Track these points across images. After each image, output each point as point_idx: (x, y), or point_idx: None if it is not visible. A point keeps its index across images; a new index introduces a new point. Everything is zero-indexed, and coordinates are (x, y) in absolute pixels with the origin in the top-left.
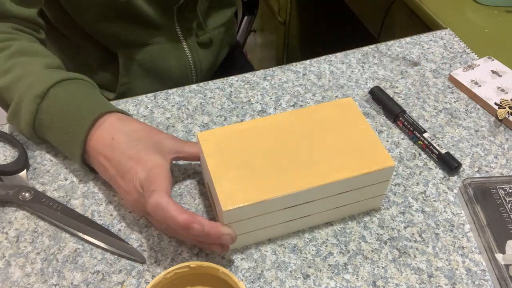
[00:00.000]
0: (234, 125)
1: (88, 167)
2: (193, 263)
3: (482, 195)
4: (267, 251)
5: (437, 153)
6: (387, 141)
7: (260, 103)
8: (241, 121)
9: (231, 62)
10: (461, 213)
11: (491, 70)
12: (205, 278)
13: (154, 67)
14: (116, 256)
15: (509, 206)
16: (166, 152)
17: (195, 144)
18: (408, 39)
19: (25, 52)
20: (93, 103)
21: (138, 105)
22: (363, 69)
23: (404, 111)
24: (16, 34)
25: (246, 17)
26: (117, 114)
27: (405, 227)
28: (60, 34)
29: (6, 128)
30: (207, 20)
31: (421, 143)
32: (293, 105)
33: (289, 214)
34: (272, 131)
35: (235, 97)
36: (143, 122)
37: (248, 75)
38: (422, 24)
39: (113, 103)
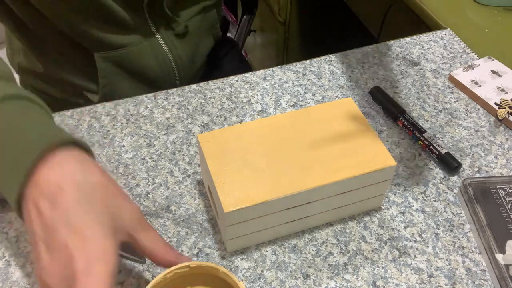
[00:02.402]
0: (234, 126)
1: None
2: (193, 263)
3: (482, 195)
4: (267, 251)
5: (437, 153)
6: (387, 141)
7: (260, 103)
8: (241, 121)
9: (225, 61)
10: (461, 213)
11: (491, 70)
12: (205, 278)
13: (133, 67)
14: None
15: (509, 206)
16: (119, 229)
17: (155, 238)
18: (408, 39)
19: None
20: (43, 128)
21: (138, 105)
22: (363, 69)
23: (404, 111)
24: None
25: (245, 17)
26: (76, 150)
27: (405, 227)
28: (31, 33)
29: None
30: (179, 11)
31: (421, 143)
32: (293, 105)
33: (291, 214)
34: (272, 132)
35: (235, 97)
36: (104, 171)
37: (248, 75)
38: (422, 24)
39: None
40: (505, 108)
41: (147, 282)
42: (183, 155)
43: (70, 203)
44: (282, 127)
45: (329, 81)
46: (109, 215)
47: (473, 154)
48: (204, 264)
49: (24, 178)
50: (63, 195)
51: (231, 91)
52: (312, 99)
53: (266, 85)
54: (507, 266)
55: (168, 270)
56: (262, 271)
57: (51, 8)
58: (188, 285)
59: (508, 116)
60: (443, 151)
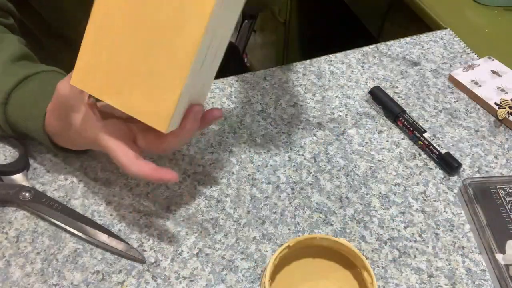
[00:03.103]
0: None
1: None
2: (290, 241)
3: (482, 195)
4: (267, 251)
5: (437, 153)
6: (387, 141)
7: (260, 103)
8: (241, 121)
9: (225, 66)
10: (461, 213)
11: (491, 70)
12: (306, 251)
13: None
14: (116, 256)
15: (509, 206)
16: (83, 108)
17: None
18: (408, 39)
19: None
20: (49, 95)
21: None
22: (363, 69)
23: (404, 111)
24: None
25: (246, 21)
26: None
27: (405, 227)
28: (30, 32)
29: None
30: None
31: (421, 143)
32: (293, 105)
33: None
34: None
35: (235, 97)
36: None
37: (248, 75)
38: (422, 24)
39: None
40: (505, 108)
41: (147, 282)
42: (183, 155)
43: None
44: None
45: (329, 81)
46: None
47: (473, 154)
48: (301, 238)
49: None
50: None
51: (231, 91)
52: (312, 99)
53: (266, 85)
54: (507, 266)
55: (273, 256)
56: (262, 271)
57: (47, 5)
58: (294, 260)
59: (508, 116)
60: (443, 151)
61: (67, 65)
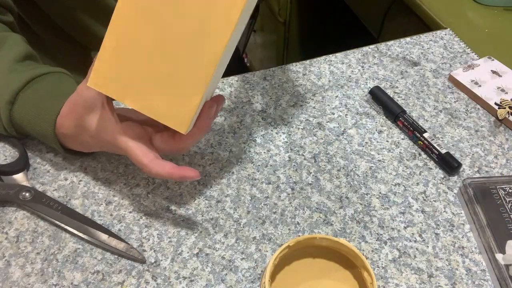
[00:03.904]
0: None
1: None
2: (290, 242)
3: (482, 195)
4: (267, 251)
5: (437, 153)
6: (387, 141)
7: (260, 103)
8: (241, 121)
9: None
10: (461, 213)
11: (491, 70)
12: (306, 251)
13: None
14: (116, 256)
15: (509, 206)
16: (102, 110)
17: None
18: (408, 39)
19: None
20: (57, 97)
21: None
22: (363, 69)
23: (404, 111)
24: None
25: None
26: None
27: (405, 227)
28: (30, 30)
29: None
30: None
31: (421, 143)
32: (293, 105)
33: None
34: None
35: (235, 97)
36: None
37: (248, 75)
38: (422, 24)
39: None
40: (505, 108)
41: (147, 282)
42: (183, 155)
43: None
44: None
45: (329, 81)
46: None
47: (473, 154)
48: (301, 238)
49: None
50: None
51: (231, 91)
52: (312, 99)
53: (266, 85)
54: (507, 266)
55: (273, 256)
56: (262, 271)
57: (51, 4)
58: (294, 260)
59: (508, 116)
60: (443, 151)
61: (67, 64)
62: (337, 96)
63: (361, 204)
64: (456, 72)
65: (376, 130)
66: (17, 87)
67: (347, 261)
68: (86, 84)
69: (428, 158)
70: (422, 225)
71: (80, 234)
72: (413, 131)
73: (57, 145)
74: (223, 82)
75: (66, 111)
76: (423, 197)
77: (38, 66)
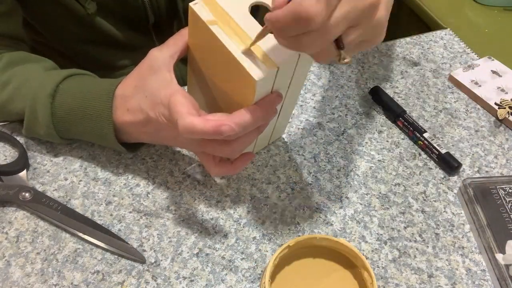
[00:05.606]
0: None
1: (123, 146)
2: (290, 242)
3: (482, 195)
4: (267, 251)
5: (437, 153)
6: (387, 141)
7: None
8: None
9: None
10: (461, 213)
11: (491, 70)
12: (307, 251)
13: None
14: (116, 256)
15: (509, 206)
16: (165, 72)
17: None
18: (408, 39)
19: (17, 62)
20: (103, 83)
21: None
22: (363, 69)
23: (404, 111)
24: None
25: None
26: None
27: (405, 227)
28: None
29: (6, 128)
30: None
31: (421, 143)
32: None
33: None
34: None
35: None
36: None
37: None
38: (422, 24)
39: None
40: (505, 108)
41: (147, 282)
42: (183, 155)
43: (134, 104)
44: None
45: (329, 81)
46: (153, 80)
47: (473, 154)
48: (301, 238)
49: (110, 114)
50: (131, 105)
51: None
52: (312, 99)
53: None
54: (507, 266)
55: (274, 256)
56: (262, 271)
57: (50, 31)
58: (294, 260)
59: (508, 116)
60: (443, 151)
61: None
62: (337, 96)
63: (361, 204)
64: (456, 72)
65: (376, 130)
66: (57, 81)
67: (347, 261)
68: (159, 48)
69: (428, 158)
70: (422, 225)
71: (80, 234)
72: (413, 131)
73: (110, 132)
74: None
75: (128, 76)
76: (423, 197)
77: (71, 69)
